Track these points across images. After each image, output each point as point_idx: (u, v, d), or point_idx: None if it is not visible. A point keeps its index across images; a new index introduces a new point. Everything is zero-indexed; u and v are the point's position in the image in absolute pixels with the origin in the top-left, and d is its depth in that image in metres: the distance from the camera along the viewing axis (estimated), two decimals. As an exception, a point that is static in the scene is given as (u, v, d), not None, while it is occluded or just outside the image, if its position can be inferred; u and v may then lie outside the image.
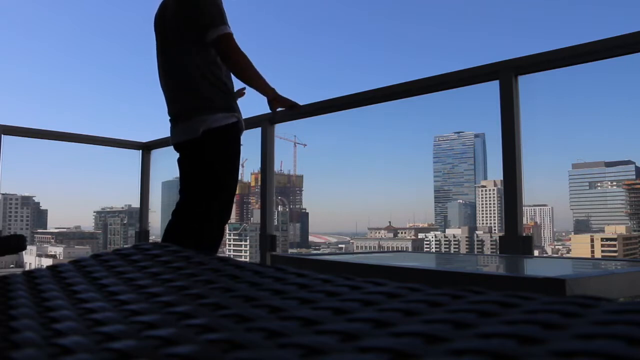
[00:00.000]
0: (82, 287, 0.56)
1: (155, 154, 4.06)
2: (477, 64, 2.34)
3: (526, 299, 0.38)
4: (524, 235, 2.06)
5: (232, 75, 2.25)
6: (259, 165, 3.20)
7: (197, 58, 2.16)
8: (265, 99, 2.25)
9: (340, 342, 0.32)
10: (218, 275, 0.57)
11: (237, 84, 2.29)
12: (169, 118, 2.30)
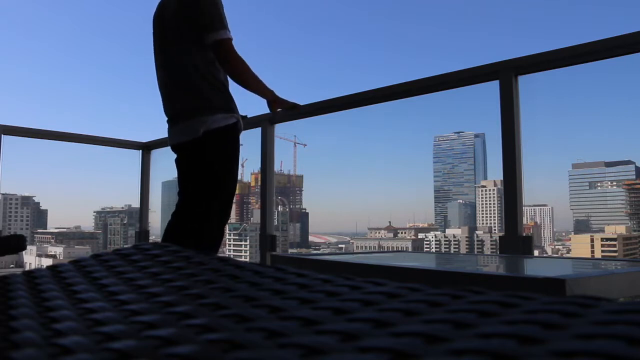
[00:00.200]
0: (82, 287, 0.56)
1: (155, 154, 4.06)
2: (477, 64, 2.34)
3: (526, 299, 0.38)
4: (524, 235, 2.06)
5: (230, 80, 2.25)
6: (259, 165, 3.20)
7: (196, 58, 2.16)
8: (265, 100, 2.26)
9: (340, 342, 0.32)
10: (218, 275, 0.57)
11: (235, 87, 2.29)
12: (167, 118, 2.29)
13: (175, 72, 2.22)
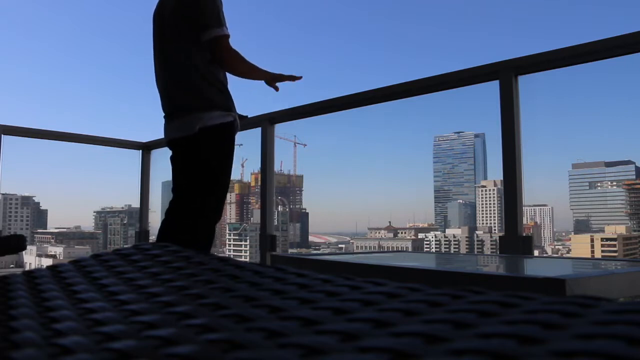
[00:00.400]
0: (82, 287, 0.56)
1: (155, 154, 4.07)
2: (477, 64, 2.34)
3: (526, 299, 0.38)
4: (524, 235, 2.06)
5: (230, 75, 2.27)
6: (259, 165, 3.20)
7: (196, 57, 2.16)
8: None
9: (340, 342, 0.32)
10: (218, 275, 0.57)
11: (235, 88, 2.30)
12: (164, 115, 2.30)
13: (174, 71, 2.23)
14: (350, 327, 0.34)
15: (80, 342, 0.36)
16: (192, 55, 2.17)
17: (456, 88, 2.48)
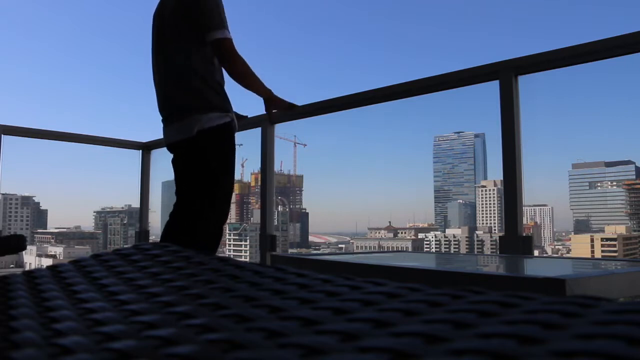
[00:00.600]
0: (82, 287, 0.56)
1: (155, 154, 4.06)
2: (477, 64, 2.34)
3: (526, 299, 0.38)
4: (524, 235, 2.06)
5: (228, 77, 2.26)
6: (259, 165, 3.20)
7: (194, 58, 2.16)
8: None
9: (340, 342, 0.32)
10: (218, 275, 0.57)
11: (234, 88, 2.30)
12: (162, 118, 2.30)
13: (171, 71, 2.23)
14: (350, 327, 0.34)
15: (80, 342, 0.36)
16: (191, 55, 2.16)
17: (456, 88, 2.48)
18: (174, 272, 0.60)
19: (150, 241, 4.05)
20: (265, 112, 2.33)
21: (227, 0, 2.23)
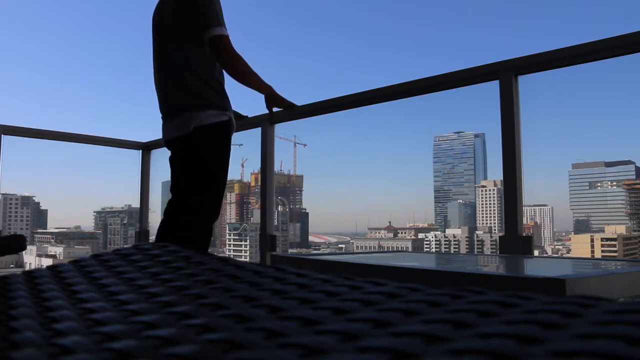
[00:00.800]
0: (82, 287, 0.56)
1: (155, 154, 4.06)
2: (477, 64, 2.34)
3: (526, 299, 0.38)
4: (524, 235, 2.06)
5: (227, 75, 2.26)
6: (259, 165, 3.20)
7: (192, 56, 2.17)
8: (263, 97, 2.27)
9: (340, 342, 0.32)
10: (218, 275, 0.57)
11: (232, 84, 2.30)
12: (161, 115, 2.31)
13: (171, 70, 2.23)
14: (350, 327, 0.34)
15: (80, 342, 0.36)
16: (190, 55, 2.17)
17: (456, 88, 2.48)
18: (174, 272, 0.60)
19: (150, 241, 4.05)
20: (266, 111, 2.33)
21: (228, 0, 2.23)
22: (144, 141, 4.12)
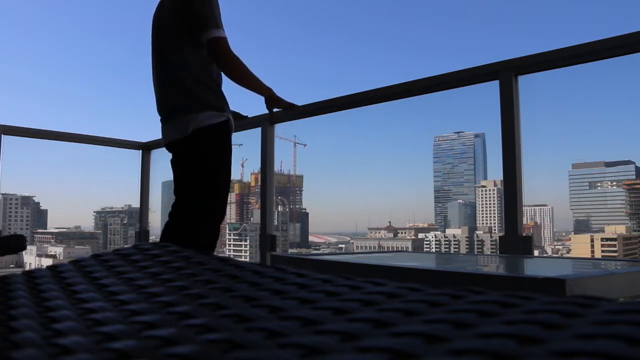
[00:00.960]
0: (82, 287, 0.56)
1: (155, 154, 4.06)
2: (477, 64, 2.34)
3: (526, 299, 0.38)
4: (524, 235, 2.05)
5: (226, 77, 2.26)
6: (259, 165, 3.20)
7: (189, 57, 2.17)
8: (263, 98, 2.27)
9: (340, 342, 0.32)
10: (218, 275, 0.57)
11: (232, 84, 2.29)
12: (160, 117, 2.31)
13: (168, 71, 2.24)
14: (350, 327, 0.34)
15: (80, 342, 0.36)
16: (187, 56, 2.17)
17: (456, 88, 2.48)
18: (174, 272, 0.60)
19: (150, 241, 4.05)
20: (266, 111, 2.34)
21: (228, 0, 2.23)
22: (144, 141, 4.12)
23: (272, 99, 2.27)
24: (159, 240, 2.62)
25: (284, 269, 0.57)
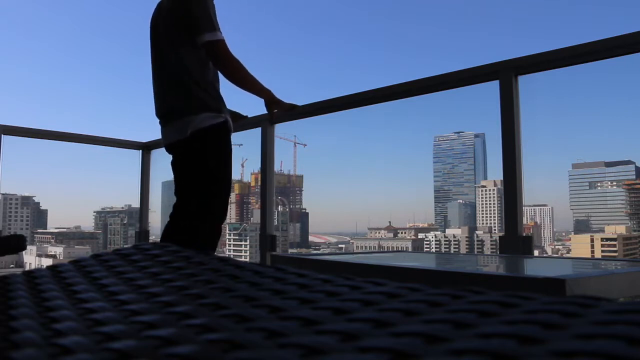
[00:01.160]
0: (82, 287, 0.56)
1: (155, 154, 4.06)
2: (477, 64, 2.34)
3: (526, 299, 0.38)
4: (524, 235, 2.06)
5: (227, 80, 2.26)
6: (259, 165, 3.20)
7: (186, 59, 2.17)
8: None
9: (340, 342, 0.32)
10: (218, 275, 0.57)
11: (231, 86, 2.29)
12: (159, 120, 2.31)
13: (166, 72, 2.24)
14: (350, 327, 0.34)
15: (80, 342, 0.36)
16: (184, 57, 2.17)
17: (456, 88, 2.48)
18: (174, 272, 0.60)
19: (150, 241, 4.05)
20: (266, 113, 2.33)
21: (228, 1, 2.23)
22: (144, 141, 4.12)
23: (272, 102, 2.27)
24: (159, 240, 2.62)
25: (284, 269, 0.57)
